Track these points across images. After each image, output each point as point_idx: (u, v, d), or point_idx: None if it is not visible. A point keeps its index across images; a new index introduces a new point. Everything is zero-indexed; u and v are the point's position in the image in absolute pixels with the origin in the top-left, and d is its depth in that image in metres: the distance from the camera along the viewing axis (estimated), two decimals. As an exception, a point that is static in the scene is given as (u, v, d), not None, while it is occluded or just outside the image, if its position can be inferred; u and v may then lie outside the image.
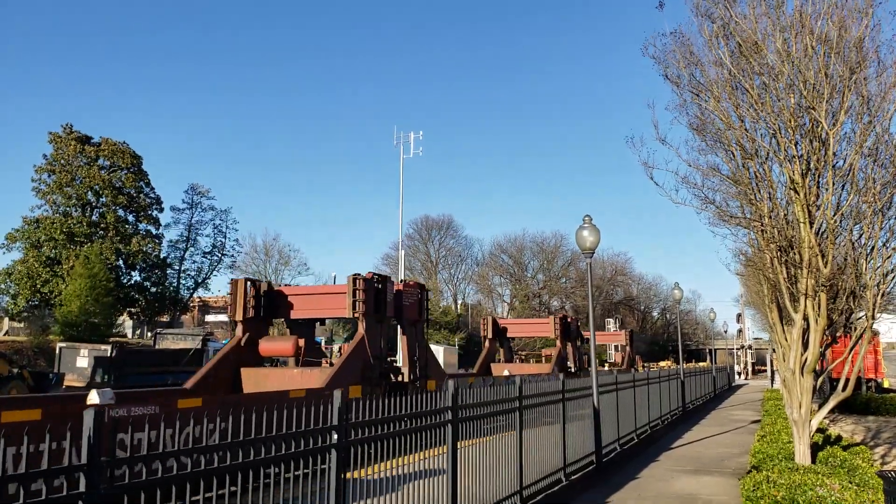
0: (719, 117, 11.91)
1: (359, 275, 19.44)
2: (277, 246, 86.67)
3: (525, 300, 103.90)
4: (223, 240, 76.09)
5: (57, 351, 35.67)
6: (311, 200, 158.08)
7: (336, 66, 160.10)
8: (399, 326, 22.81)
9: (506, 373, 28.44)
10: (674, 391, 28.32)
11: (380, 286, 20.01)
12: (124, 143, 64.11)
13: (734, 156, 12.19)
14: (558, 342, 34.90)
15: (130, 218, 65.36)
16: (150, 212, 66.58)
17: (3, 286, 60.13)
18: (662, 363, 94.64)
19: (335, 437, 6.52)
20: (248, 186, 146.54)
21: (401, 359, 22.52)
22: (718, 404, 37.82)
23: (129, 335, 68.36)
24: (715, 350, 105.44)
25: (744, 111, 11.69)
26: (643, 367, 72.93)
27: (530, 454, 11.76)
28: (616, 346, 73.85)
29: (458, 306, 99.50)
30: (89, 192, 62.29)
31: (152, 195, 66.81)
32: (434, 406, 8.67)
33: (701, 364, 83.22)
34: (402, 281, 22.61)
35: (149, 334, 62.36)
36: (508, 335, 37.37)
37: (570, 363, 37.09)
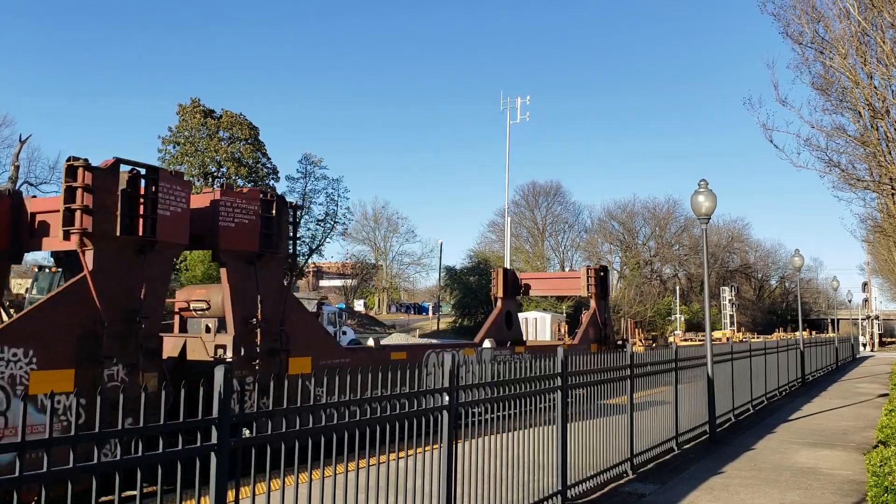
0: (845, 75, 11.26)
1: (590, 266, 26.69)
2: (386, 213, 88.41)
3: (636, 268, 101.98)
4: (335, 208, 78.19)
5: (183, 313, 37.67)
6: (417, 167, 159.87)
7: (441, 32, 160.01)
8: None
9: (486, 344, 20.51)
10: (792, 362, 27.32)
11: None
12: (242, 115, 66.56)
13: (861, 115, 11.52)
14: (592, 303, 26.09)
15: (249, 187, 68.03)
16: (267, 181, 69.02)
17: (134, 252, 64.00)
18: (718, 333, 79.55)
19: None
20: (356, 153, 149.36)
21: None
22: (841, 376, 36.19)
23: (249, 299, 71.39)
24: (838, 320, 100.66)
25: (873, 67, 10.99)
26: (644, 342, 58.08)
27: (641, 422, 11.68)
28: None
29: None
30: (211, 163, 65.14)
31: (269, 165, 69.23)
32: (544, 371, 8.73)
33: (798, 334, 76.54)
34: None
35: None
36: (532, 293, 29.15)
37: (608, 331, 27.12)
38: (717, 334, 76.26)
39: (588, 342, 23.93)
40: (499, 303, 25.49)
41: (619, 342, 27.91)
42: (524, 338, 27.43)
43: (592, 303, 25.78)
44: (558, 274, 33.95)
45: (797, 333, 70.28)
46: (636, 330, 60.17)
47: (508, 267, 59.00)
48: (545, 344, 26.39)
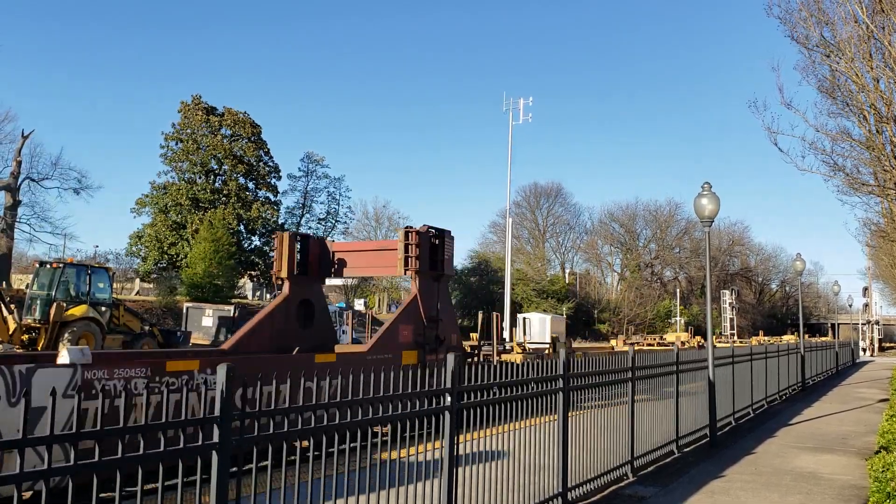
0: (851, 78, 11.21)
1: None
2: (387, 213, 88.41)
3: (636, 270, 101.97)
4: (336, 207, 78.30)
5: (184, 310, 37.73)
6: (418, 167, 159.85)
7: (441, 32, 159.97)
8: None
9: (64, 358, 10.04)
10: (792, 366, 27.27)
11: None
12: (245, 113, 66.50)
13: (867, 120, 11.47)
14: (413, 285, 16.82)
15: (250, 185, 67.95)
16: (268, 179, 69.02)
17: (134, 249, 64.03)
18: (671, 337, 63.52)
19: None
20: (357, 153, 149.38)
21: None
22: (841, 381, 36.13)
23: (250, 297, 71.47)
24: (838, 325, 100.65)
25: (880, 72, 10.95)
26: (526, 351, 28.40)
27: (642, 425, 11.65)
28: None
29: (566, 275, 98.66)
30: (212, 160, 65.10)
31: (271, 163, 69.19)
32: (545, 373, 8.69)
33: (787, 338, 66.88)
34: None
35: (268, 296, 65.02)
36: (349, 273, 18.67)
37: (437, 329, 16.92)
38: (669, 337, 64.24)
39: (396, 348, 15.31)
40: (285, 286, 16.88)
41: (477, 347, 20.08)
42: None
43: (413, 285, 16.61)
44: (377, 243, 22.37)
45: (786, 337, 68.61)
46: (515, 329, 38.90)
47: (509, 268, 58.64)
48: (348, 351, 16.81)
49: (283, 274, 16.66)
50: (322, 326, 17.48)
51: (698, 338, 64.55)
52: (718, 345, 38.45)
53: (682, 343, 49.84)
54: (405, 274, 16.43)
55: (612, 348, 38.91)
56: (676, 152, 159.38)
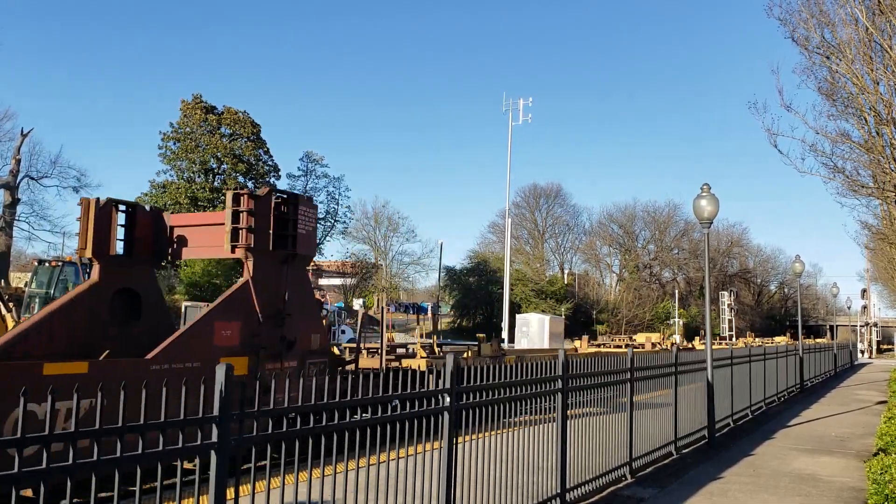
0: (851, 80, 11.21)
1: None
2: (386, 213, 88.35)
3: (635, 271, 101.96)
4: (336, 206, 78.20)
5: (182, 310, 37.67)
6: (418, 167, 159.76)
7: (441, 32, 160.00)
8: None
9: None
10: (791, 368, 27.28)
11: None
12: (245, 112, 66.49)
13: (867, 122, 11.47)
14: (246, 269, 11.67)
15: (250, 184, 67.91)
16: (267, 178, 68.99)
17: (133, 248, 64.01)
18: (642, 337, 55.41)
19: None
20: (357, 153, 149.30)
21: None
22: (839, 383, 36.17)
23: (248, 297, 71.32)
24: (836, 326, 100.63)
25: (880, 74, 10.95)
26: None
27: (640, 426, 11.65)
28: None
29: (565, 276, 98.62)
30: (212, 159, 65.09)
31: (270, 163, 69.20)
32: (542, 374, 8.69)
33: (778, 339, 65.10)
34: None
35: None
36: (188, 255, 13.21)
37: (283, 331, 12.01)
38: (639, 338, 56.12)
39: (209, 354, 10.70)
40: (94, 271, 12.20)
41: (348, 348, 16.15)
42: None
43: (246, 268, 11.86)
44: (222, 215, 12.06)
45: (777, 339, 67.43)
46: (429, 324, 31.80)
47: (508, 268, 58.50)
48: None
49: (88, 254, 11.92)
50: (155, 324, 12.87)
51: (673, 339, 60.49)
52: (702, 347, 32.32)
53: (654, 345, 44.23)
54: (233, 253, 11.77)
55: (576, 350, 32.96)
56: (676, 152, 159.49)
